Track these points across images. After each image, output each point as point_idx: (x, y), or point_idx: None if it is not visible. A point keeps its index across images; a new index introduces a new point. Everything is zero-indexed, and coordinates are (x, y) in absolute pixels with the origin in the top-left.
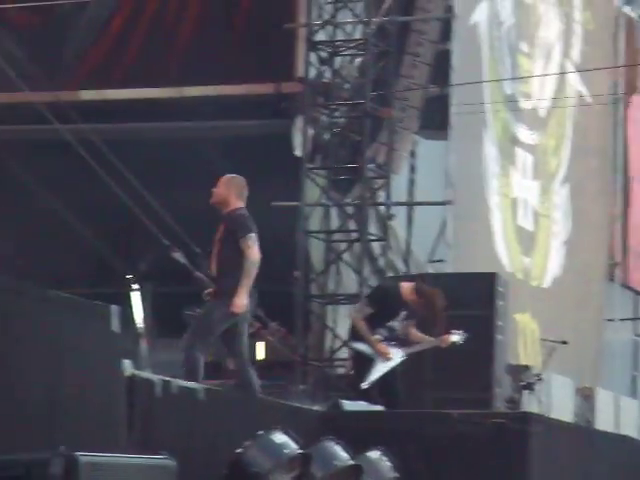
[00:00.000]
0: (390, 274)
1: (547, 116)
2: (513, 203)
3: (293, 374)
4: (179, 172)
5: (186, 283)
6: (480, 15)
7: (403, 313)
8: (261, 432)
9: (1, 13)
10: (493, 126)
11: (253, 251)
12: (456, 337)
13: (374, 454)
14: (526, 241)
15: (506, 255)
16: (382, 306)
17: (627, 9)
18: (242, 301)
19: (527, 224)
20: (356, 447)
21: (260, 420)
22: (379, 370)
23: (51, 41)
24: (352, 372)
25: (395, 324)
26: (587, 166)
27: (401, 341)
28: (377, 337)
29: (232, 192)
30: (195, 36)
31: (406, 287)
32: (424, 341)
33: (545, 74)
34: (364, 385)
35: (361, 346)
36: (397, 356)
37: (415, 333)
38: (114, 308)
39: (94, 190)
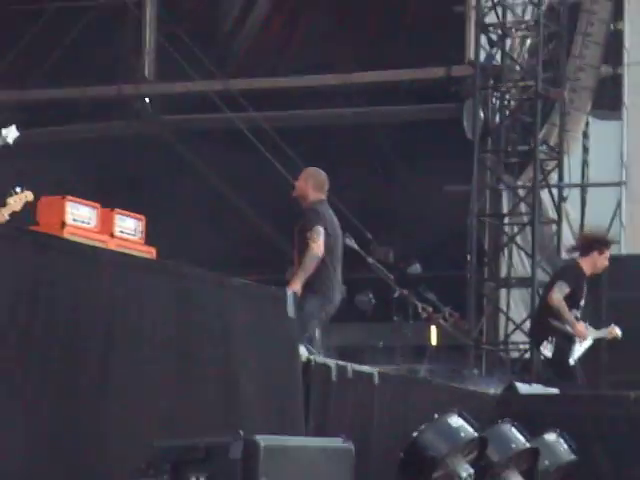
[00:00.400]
0: (564, 257)
1: None
2: None
3: (467, 358)
4: (349, 158)
5: (358, 269)
6: None
7: (585, 288)
8: (437, 416)
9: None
10: None
11: (316, 244)
12: (619, 331)
13: (551, 436)
14: None
15: None
16: (575, 285)
17: None
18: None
19: None
20: (533, 430)
21: (435, 404)
22: (578, 350)
23: (221, 29)
24: (554, 351)
25: (583, 302)
26: None
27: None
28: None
29: (309, 185)
30: (364, 21)
31: (582, 260)
32: (593, 331)
33: None
34: (572, 361)
35: (563, 326)
36: (590, 337)
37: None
38: (290, 293)
39: (265, 177)
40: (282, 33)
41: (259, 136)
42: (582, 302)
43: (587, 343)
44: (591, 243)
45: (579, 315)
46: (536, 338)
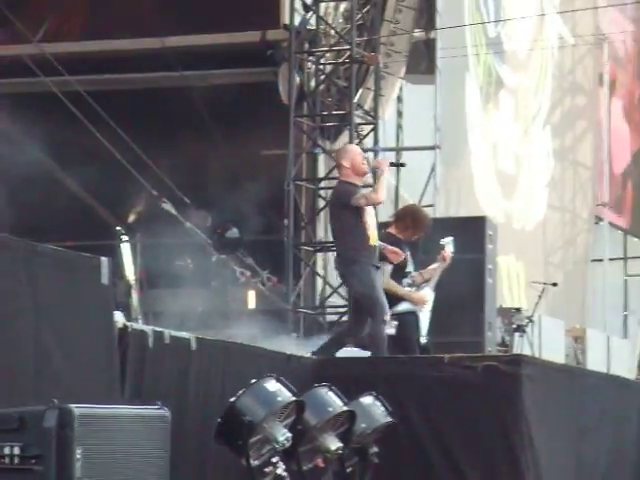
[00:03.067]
0: (379, 221)
1: (527, 58)
2: (494, 147)
3: (285, 322)
4: (166, 122)
5: (176, 234)
6: None
7: (407, 254)
8: (254, 380)
9: None
10: (476, 69)
11: None
12: (449, 245)
13: (367, 399)
14: (507, 184)
15: (486, 199)
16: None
17: None
18: None
19: (508, 167)
20: (349, 393)
21: (254, 369)
22: (424, 319)
23: None
24: (398, 328)
25: (411, 268)
26: (574, 104)
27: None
28: (407, 289)
29: None
30: None
31: (391, 227)
32: (432, 271)
33: (524, 16)
34: (423, 340)
35: (401, 306)
36: (429, 296)
37: (423, 271)
38: (104, 260)
39: (81, 142)
40: None
41: (73, 101)
42: (410, 267)
43: (429, 302)
44: (401, 215)
45: (413, 279)
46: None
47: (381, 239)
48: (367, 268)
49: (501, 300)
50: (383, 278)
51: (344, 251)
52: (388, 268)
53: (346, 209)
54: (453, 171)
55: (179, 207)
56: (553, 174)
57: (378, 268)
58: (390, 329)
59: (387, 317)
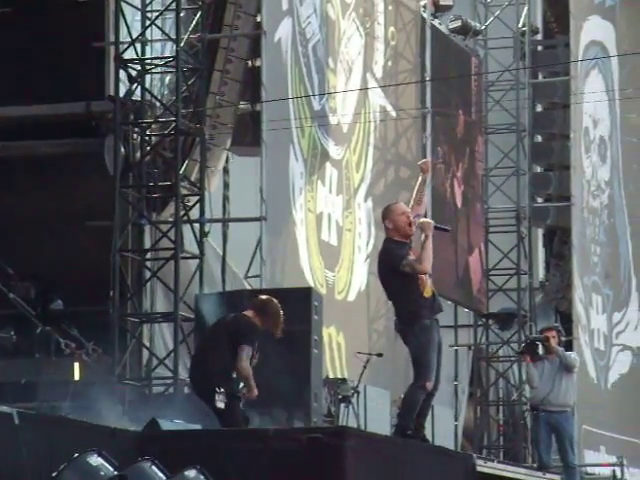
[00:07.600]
0: (206, 291)
1: (349, 131)
2: (318, 218)
3: (111, 394)
4: None
5: None
6: (283, 31)
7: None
8: (76, 455)
9: None
10: (300, 142)
11: None
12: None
13: (191, 473)
14: (330, 256)
15: (309, 270)
16: (255, 344)
17: (435, 22)
18: None
19: (331, 239)
20: (174, 466)
21: (78, 442)
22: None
23: None
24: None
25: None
26: (398, 176)
27: None
28: None
29: None
30: (4, 55)
31: (256, 316)
32: None
33: (347, 90)
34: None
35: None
36: None
37: None
38: None
39: None
40: None
41: None
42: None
43: None
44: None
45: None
46: (206, 392)
47: (239, 324)
48: (428, 327)
49: (326, 371)
50: (245, 363)
51: (403, 313)
52: (249, 352)
53: (395, 271)
54: (278, 242)
55: (3, 278)
56: (375, 243)
57: (437, 321)
58: (220, 403)
59: (429, 384)
